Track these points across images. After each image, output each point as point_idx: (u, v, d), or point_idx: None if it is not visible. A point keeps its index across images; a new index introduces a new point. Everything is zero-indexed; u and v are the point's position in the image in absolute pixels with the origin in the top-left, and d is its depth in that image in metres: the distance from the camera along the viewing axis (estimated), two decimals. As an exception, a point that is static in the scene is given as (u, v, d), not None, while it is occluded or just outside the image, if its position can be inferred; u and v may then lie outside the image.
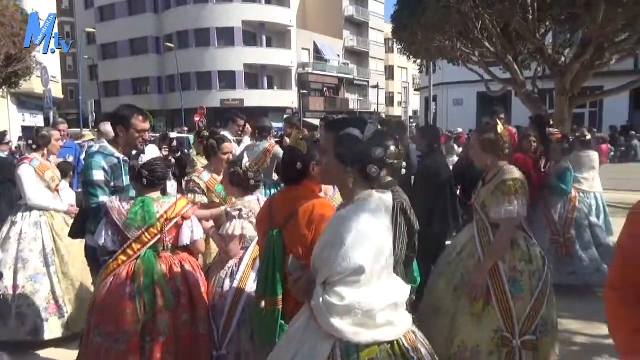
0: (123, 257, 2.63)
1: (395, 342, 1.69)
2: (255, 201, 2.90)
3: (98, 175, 2.89)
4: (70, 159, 5.36)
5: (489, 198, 2.79)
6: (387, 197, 1.73)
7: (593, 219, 4.97)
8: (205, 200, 3.44)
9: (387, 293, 1.69)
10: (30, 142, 4.21)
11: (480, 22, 8.68)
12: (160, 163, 2.75)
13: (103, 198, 2.86)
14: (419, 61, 12.53)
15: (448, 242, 3.62)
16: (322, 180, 1.86)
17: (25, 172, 3.94)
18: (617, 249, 1.51)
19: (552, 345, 2.75)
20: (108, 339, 2.52)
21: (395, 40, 11.84)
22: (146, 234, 2.63)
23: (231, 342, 2.70)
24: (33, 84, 19.06)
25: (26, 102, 24.39)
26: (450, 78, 24.85)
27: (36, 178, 3.96)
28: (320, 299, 1.63)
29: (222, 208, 3.12)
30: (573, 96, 8.70)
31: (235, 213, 2.77)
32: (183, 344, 2.62)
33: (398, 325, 1.70)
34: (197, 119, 24.27)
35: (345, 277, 1.61)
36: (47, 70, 15.07)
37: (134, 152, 2.77)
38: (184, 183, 3.67)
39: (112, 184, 2.95)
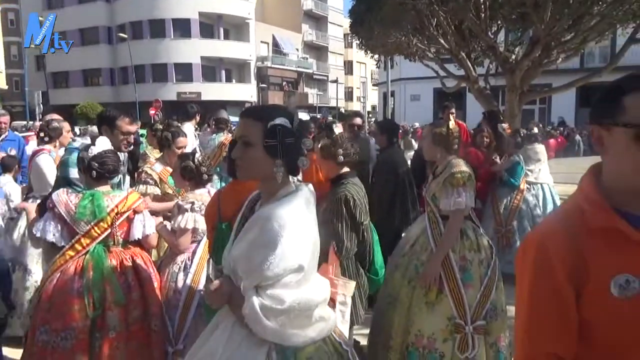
0: (71, 252, 2.55)
1: (327, 338, 1.64)
2: (207, 194, 2.89)
3: (74, 173, 2.89)
4: (13, 152, 5.10)
5: (439, 190, 2.89)
6: (311, 188, 1.65)
7: (537, 211, 5.19)
8: (157, 191, 3.41)
9: (319, 288, 1.62)
10: (42, 134, 4.17)
11: (435, 19, 8.87)
12: (111, 155, 2.66)
13: None
14: (376, 56, 12.68)
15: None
16: (243, 175, 1.61)
17: (47, 163, 3.86)
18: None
19: (502, 328, 2.87)
20: (54, 337, 2.44)
21: (353, 35, 11.93)
22: (95, 228, 2.56)
23: (187, 336, 2.69)
24: (-27, 74, 18.03)
25: (-34, 92, 23.06)
26: (408, 74, 25.31)
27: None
28: (257, 305, 1.47)
29: (173, 202, 3.10)
30: (523, 92, 9.03)
31: (188, 206, 2.75)
32: (135, 340, 2.56)
33: (328, 320, 1.64)
34: (152, 112, 23.65)
35: (283, 278, 1.48)
36: (-11, 59, 14.26)
37: (75, 142, 2.69)
38: (136, 175, 3.58)
39: None
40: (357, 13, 10.28)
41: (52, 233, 2.54)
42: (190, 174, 2.92)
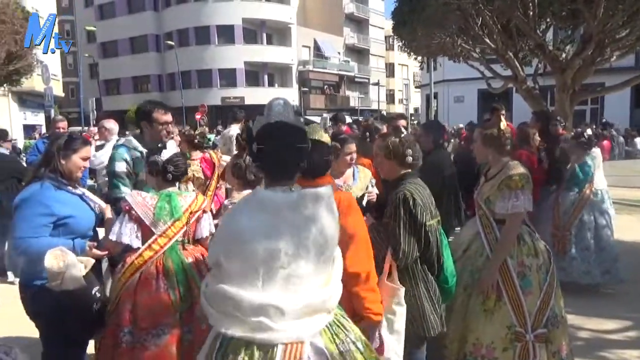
0: (149, 253, 2.59)
1: (270, 349, 1.58)
2: None
3: (120, 167, 3.05)
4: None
5: (494, 194, 2.79)
6: (274, 195, 1.64)
7: (601, 220, 4.94)
8: None
9: (269, 296, 1.58)
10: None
11: (480, 18, 8.69)
12: (181, 158, 2.81)
13: (124, 189, 3.01)
14: (419, 58, 12.54)
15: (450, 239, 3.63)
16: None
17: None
18: None
19: (563, 336, 2.78)
20: (144, 335, 2.49)
21: (395, 37, 11.83)
22: (172, 227, 2.63)
23: None
24: (34, 82, 19.10)
25: (27, 100, 24.42)
26: (451, 75, 24.86)
27: None
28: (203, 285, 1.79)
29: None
30: (574, 92, 8.70)
31: (231, 206, 2.84)
32: None
33: (277, 331, 1.58)
34: (198, 116, 24.32)
35: (212, 266, 1.77)
36: (48, 68, 15.07)
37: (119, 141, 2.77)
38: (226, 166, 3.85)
39: (136, 175, 3.10)
40: (399, 14, 10.20)
41: (128, 235, 2.57)
42: (239, 173, 3.03)
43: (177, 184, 2.85)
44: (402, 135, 2.66)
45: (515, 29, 9.05)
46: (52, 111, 15.83)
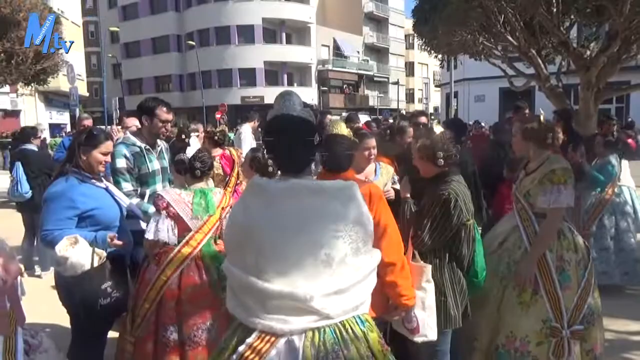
0: (187, 249, 2.60)
1: (249, 331, 1.59)
2: None
3: (120, 163, 3.12)
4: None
5: (535, 187, 2.76)
6: (267, 183, 1.68)
7: (622, 222, 4.84)
8: None
9: (252, 280, 1.59)
10: (183, 136, 4.74)
11: (502, 15, 8.57)
12: (206, 154, 2.85)
13: (125, 185, 3.08)
14: (440, 56, 12.43)
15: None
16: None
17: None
18: None
19: (598, 334, 2.75)
20: (193, 331, 2.50)
21: (416, 35, 11.76)
22: (207, 223, 2.67)
23: None
24: (59, 82, 19.55)
25: (53, 100, 25.03)
26: (472, 74, 24.58)
27: None
28: None
29: None
30: (598, 91, 8.51)
31: None
32: None
33: (256, 317, 1.58)
34: (218, 115, 24.59)
35: None
36: (73, 68, 15.41)
37: (157, 144, 2.81)
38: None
39: (136, 170, 3.18)
40: (420, 12, 10.13)
41: (166, 232, 2.57)
42: (257, 165, 3.08)
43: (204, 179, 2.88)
44: (435, 134, 2.61)
45: (539, 26, 8.90)
46: (77, 110, 16.16)
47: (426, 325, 2.32)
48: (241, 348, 1.58)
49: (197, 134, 5.59)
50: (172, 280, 2.55)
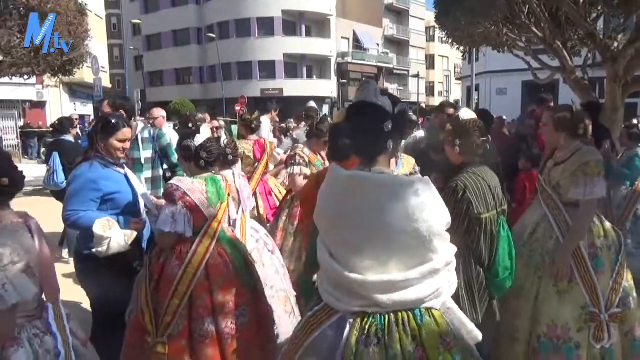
0: (208, 239, 2.58)
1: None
2: (231, 175, 3.11)
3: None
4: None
5: (567, 179, 2.76)
6: (340, 172, 1.75)
7: None
8: (308, 172, 3.81)
9: (324, 258, 1.76)
10: (189, 125, 5.12)
11: (527, 6, 8.43)
12: (214, 144, 2.76)
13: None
14: (461, 48, 12.28)
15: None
16: None
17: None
18: None
19: (636, 316, 2.78)
20: (230, 319, 2.52)
21: (437, 27, 11.63)
22: (220, 211, 2.65)
23: None
24: (84, 74, 19.89)
25: (77, 91, 25.48)
26: (494, 66, 24.20)
27: None
28: None
29: None
30: (626, 84, 8.32)
31: None
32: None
33: (323, 287, 1.78)
34: (238, 108, 24.70)
35: None
36: (98, 60, 15.68)
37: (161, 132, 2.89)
38: (287, 157, 4.04)
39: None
40: (443, 4, 10.01)
41: (183, 224, 2.50)
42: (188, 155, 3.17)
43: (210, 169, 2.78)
44: (465, 121, 2.59)
45: (565, 18, 8.74)
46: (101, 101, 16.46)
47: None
48: (310, 313, 1.79)
49: (206, 123, 5.75)
50: (200, 273, 2.50)
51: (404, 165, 3.39)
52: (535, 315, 2.75)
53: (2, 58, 8.83)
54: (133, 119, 5.35)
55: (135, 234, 2.69)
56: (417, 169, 3.44)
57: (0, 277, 1.65)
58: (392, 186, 1.65)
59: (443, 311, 1.72)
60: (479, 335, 1.79)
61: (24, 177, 1.93)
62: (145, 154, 3.71)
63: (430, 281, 1.68)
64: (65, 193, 2.74)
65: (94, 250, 2.55)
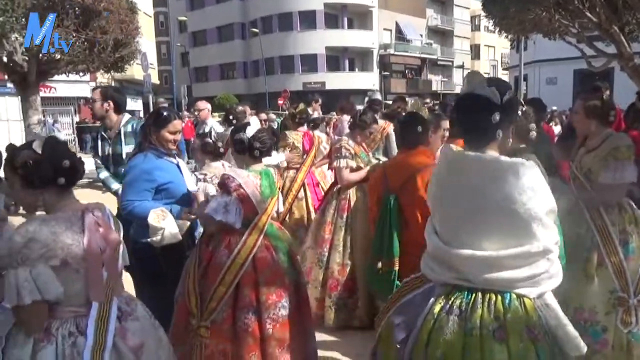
0: (257, 232, 2.63)
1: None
2: (221, 167, 3.18)
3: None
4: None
5: (598, 164, 2.78)
6: (453, 152, 1.84)
7: None
8: (354, 164, 3.86)
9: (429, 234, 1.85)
10: (230, 117, 5.37)
11: (581, -10, 8.07)
12: (266, 134, 2.78)
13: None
14: (510, 37, 11.88)
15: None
16: None
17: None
18: None
19: None
20: (272, 310, 2.57)
21: (484, 15, 11.29)
22: (270, 205, 2.69)
23: None
24: (133, 71, 20.60)
25: (127, 88, 26.45)
26: (543, 55, 23.32)
27: None
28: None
29: (365, 171, 3.76)
30: (690, 69, 7.86)
31: (201, 177, 3.07)
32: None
33: (424, 256, 1.88)
34: (280, 102, 24.98)
35: None
36: (147, 57, 16.22)
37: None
38: (333, 149, 4.07)
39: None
40: (490, -9, 9.73)
41: (234, 215, 2.56)
42: (208, 149, 3.35)
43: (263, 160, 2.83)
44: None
45: (622, 1, 8.30)
46: (150, 97, 17.04)
47: None
48: (406, 279, 1.91)
49: (247, 114, 5.89)
50: (247, 264, 2.56)
51: None
52: (563, 298, 2.71)
53: (59, 56, 9.28)
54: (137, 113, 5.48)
55: (187, 224, 2.78)
56: None
57: (24, 272, 1.62)
58: (493, 166, 1.68)
59: (539, 305, 1.68)
60: (583, 347, 1.70)
61: (83, 163, 1.89)
62: (127, 148, 3.59)
63: (525, 266, 1.66)
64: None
65: (149, 240, 2.63)
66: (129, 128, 3.75)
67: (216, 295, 2.52)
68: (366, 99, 7.68)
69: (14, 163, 1.74)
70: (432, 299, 1.72)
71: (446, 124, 3.19)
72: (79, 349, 1.70)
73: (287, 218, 4.58)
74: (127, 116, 3.88)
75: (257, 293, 2.56)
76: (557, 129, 10.82)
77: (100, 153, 3.78)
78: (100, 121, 4.03)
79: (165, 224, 2.61)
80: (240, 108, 6.01)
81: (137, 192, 2.73)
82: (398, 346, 1.71)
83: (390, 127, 5.27)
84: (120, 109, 3.83)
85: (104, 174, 3.77)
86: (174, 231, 2.64)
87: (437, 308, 1.69)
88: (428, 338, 1.65)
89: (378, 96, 6.50)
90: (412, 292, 1.82)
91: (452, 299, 1.69)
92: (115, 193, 3.62)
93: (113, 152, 3.73)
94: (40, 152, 1.74)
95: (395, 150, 5.40)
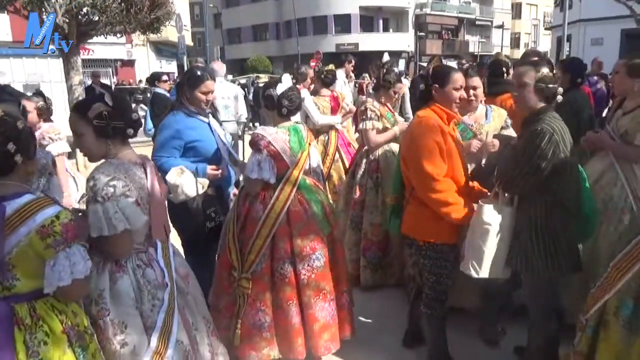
0: (290, 186, 2.69)
1: None
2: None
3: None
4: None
5: (634, 126, 2.71)
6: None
7: None
8: (380, 126, 3.80)
9: None
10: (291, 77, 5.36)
11: (635, -57, 7.59)
12: (295, 92, 2.78)
13: None
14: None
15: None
16: None
17: (307, 98, 4.63)
18: None
19: None
20: (306, 261, 2.69)
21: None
22: (301, 159, 2.73)
23: None
24: (168, 33, 20.72)
25: (162, 49, 26.72)
26: (589, 14, 22.13)
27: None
28: None
29: (392, 133, 3.77)
30: None
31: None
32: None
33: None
34: (313, 64, 24.68)
35: None
36: (181, 18, 16.26)
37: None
38: (359, 112, 3.97)
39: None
40: (535, -55, 9.24)
41: (268, 171, 2.64)
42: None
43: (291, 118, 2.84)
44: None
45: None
46: (185, 59, 17.18)
47: (468, 261, 2.41)
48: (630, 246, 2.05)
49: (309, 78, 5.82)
50: (281, 217, 2.65)
51: (495, 118, 3.30)
52: (595, 258, 2.77)
53: (98, 17, 9.43)
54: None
55: (207, 182, 2.82)
56: (509, 122, 3.35)
57: (112, 206, 1.80)
58: None
59: None
60: None
61: (139, 117, 2.06)
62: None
63: None
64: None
65: (169, 196, 2.69)
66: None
67: (254, 248, 2.66)
68: (402, 61, 7.49)
69: (88, 114, 1.89)
70: None
71: (462, 80, 2.77)
72: (148, 278, 1.95)
73: (326, 181, 4.64)
74: None
75: (291, 245, 2.69)
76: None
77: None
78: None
79: (180, 180, 2.67)
80: (302, 70, 5.94)
81: (165, 149, 2.88)
82: None
83: (405, 87, 5.28)
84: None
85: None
86: (190, 188, 2.69)
87: None
88: None
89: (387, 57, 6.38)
90: None
91: None
92: None
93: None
94: (111, 104, 1.91)
95: (409, 109, 5.36)
